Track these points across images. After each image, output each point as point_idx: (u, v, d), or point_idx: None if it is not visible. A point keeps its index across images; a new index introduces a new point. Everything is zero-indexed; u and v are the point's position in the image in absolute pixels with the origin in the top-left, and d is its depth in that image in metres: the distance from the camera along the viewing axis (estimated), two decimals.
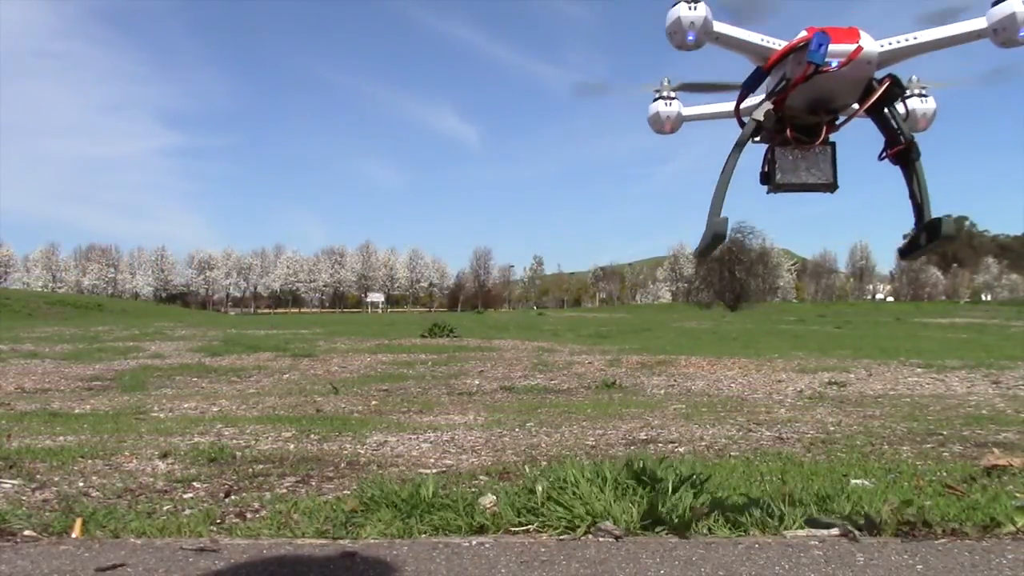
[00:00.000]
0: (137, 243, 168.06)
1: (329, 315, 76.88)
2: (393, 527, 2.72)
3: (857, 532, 2.64)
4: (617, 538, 2.58)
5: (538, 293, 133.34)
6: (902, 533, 2.64)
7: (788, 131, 2.18)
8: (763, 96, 2.26)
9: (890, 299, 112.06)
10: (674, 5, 2.09)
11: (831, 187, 2.23)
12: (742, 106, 2.33)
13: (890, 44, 2.10)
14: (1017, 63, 2.32)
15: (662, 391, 8.77)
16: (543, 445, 4.92)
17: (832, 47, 2.03)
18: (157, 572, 2.30)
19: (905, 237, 2.30)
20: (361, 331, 21.59)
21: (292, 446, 4.83)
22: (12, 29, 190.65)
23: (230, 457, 4.34)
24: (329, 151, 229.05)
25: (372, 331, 21.45)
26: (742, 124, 2.27)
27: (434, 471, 3.96)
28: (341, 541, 2.61)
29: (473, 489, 3.27)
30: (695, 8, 2.07)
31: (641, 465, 3.03)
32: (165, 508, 3.12)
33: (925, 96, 2.38)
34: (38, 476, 3.72)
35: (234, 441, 5.01)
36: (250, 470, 3.98)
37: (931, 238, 2.16)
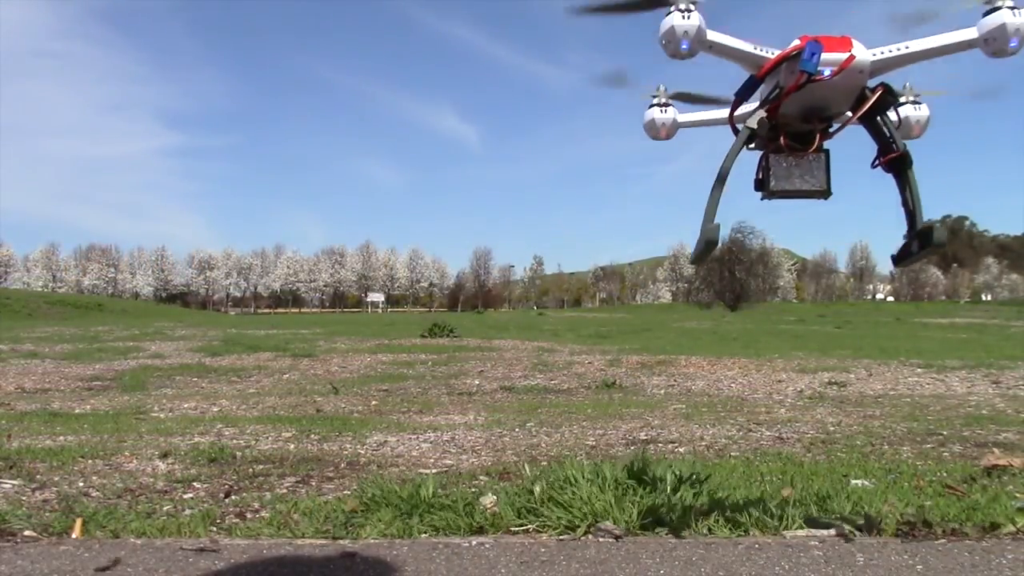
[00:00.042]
0: (137, 243, 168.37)
1: (329, 315, 76.88)
2: (393, 527, 2.72)
3: (857, 532, 2.64)
4: (617, 538, 2.58)
5: (538, 293, 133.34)
6: (902, 533, 2.64)
7: (782, 139, 2.20)
8: (757, 104, 2.28)
9: (890, 299, 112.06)
10: (668, 15, 2.11)
11: (825, 194, 2.25)
12: (736, 113, 2.35)
13: (882, 53, 2.12)
14: (1004, 82, 2.35)
15: (662, 391, 8.77)
16: (543, 445, 4.92)
17: (825, 56, 2.04)
18: (157, 572, 2.30)
19: (904, 237, 2.31)
20: (361, 331, 21.59)
21: (292, 446, 4.83)
22: (12, 29, 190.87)
23: (230, 457, 4.34)
24: (329, 151, 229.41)
25: (372, 331, 21.46)
26: (736, 132, 2.30)
27: (434, 471, 3.96)
28: (341, 541, 2.61)
29: (473, 489, 3.27)
30: (689, 17, 2.09)
31: (641, 465, 3.03)
32: (165, 508, 3.12)
33: (919, 103, 2.40)
34: (38, 476, 3.71)
35: (234, 441, 5.01)
36: (250, 470, 3.98)
37: (923, 245, 2.18)
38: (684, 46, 2.11)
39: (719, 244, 2.26)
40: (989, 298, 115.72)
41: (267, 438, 5.17)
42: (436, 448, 4.82)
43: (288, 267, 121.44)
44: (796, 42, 2.11)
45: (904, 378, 9.56)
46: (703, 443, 4.98)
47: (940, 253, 2.27)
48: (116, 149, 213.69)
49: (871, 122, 2.21)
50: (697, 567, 2.32)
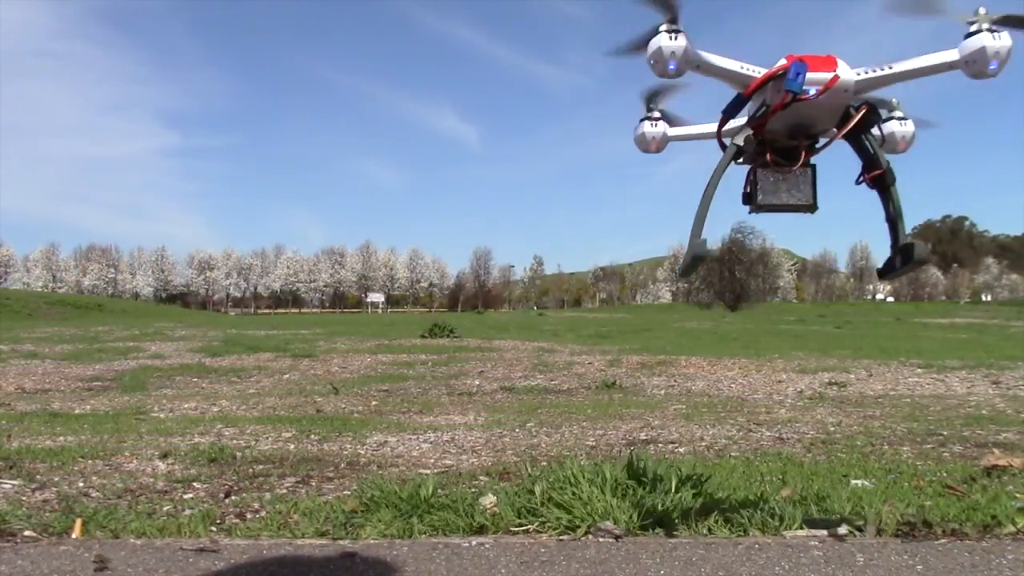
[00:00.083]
0: (137, 243, 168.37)
1: (329, 315, 76.89)
2: (393, 527, 2.72)
3: (857, 532, 2.64)
4: (617, 538, 2.58)
5: (538, 293, 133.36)
6: (902, 533, 2.64)
7: (768, 155, 2.26)
8: (744, 120, 2.34)
9: (890, 299, 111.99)
10: (655, 35, 2.15)
11: (811, 208, 2.31)
12: (724, 129, 2.41)
13: (866, 73, 2.18)
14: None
15: (662, 391, 8.77)
16: (543, 445, 4.92)
17: (810, 76, 2.10)
18: (157, 572, 2.30)
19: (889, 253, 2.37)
20: (361, 331, 21.59)
21: (292, 446, 4.83)
22: (12, 29, 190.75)
23: (230, 457, 4.34)
24: (329, 151, 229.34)
25: (372, 331, 21.46)
26: (723, 147, 2.36)
27: (434, 471, 3.96)
28: (341, 541, 2.61)
29: (473, 489, 3.27)
30: (676, 38, 2.13)
31: (641, 465, 3.03)
32: (165, 508, 3.12)
33: (904, 120, 2.46)
34: (38, 476, 3.72)
35: (234, 441, 5.01)
36: (250, 470, 3.98)
37: (905, 261, 2.26)
38: (671, 66, 2.15)
39: (706, 259, 2.33)
40: (989, 298, 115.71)
41: (267, 438, 5.17)
42: (436, 448, 4.82)
43: (288, 267, 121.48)
44: (782, 61, 2.17)
45: (904, 378, 9.56)
46: (703, 443, 4.98)
47: (922, 269, 2.36)
48: (116, 149, 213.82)
49: (856, 139, 2.28)
50: (697, 567, 2.32)
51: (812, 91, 2.10)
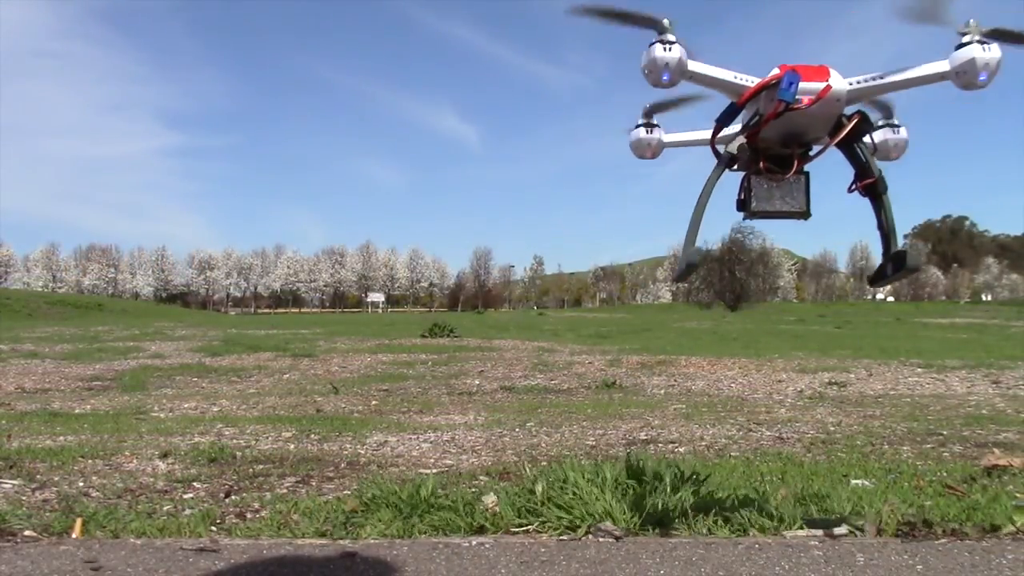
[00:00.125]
0: (137, 243, 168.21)
1: (329, 315, 76.89)
2: (393, 527, 2.72)
3: (857, 532, 2.64)
4: (617, 538, 2.58)
5: (538, 293, 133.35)
6: (902, 533, 2.64)
7: (761, 163, 2.29)
8: (738, 128, 2.37)
9: (890, 299, 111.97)
10: (650, 46, 2.18)
11: (804, 215, 2.34)
12: (717, 137, 2.45)
13: (858, 83, 2.22)
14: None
15: (662, 391, 8.77)
16: (543, 445, 4.92)
17: (802, 85, 2.13)
18: (157, 572, 2.30)
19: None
20: (361, 331, 21.59)
21: (292, 446, 4.83)
22: (12, 29, 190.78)
23: (230, 457, 4.34)
24: (329, 151, 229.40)
25: (372, 331, 21.46)
26: (717, 155, 2.39)
27: (434, 471, 3.96)
28: (341, 541, 2.61)
29: (473, 489, 3.27)
30: (670, 49, 2.15)
31: (641, 465, 3.03)
32: (165, 508, 3.12)
33: (897, 127, 2.50)
34: (38, 476, 3.72)
35: (234, 441, 5.01)
36: (250, 470, 3.98)
37: (897, 268, 2.28)
38: (665, 77, 2.18)
39: (699, 266, 2.37)
40: (989, 298, 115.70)
41: (267, 438, 5.18)
42: (436, 448, 4.82)
43: (288, 267, 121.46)
44: (775, 71, 2.20)
45: (904, 378, 9.56)
46: (703, 443, 4.98)
47: (913, 276, 2.40)
48: (116, 149, 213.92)
49: (848, 148, 2.30)
50: (697, 567, 2.32)
51: (805, 100, 2.14)
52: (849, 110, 2.24)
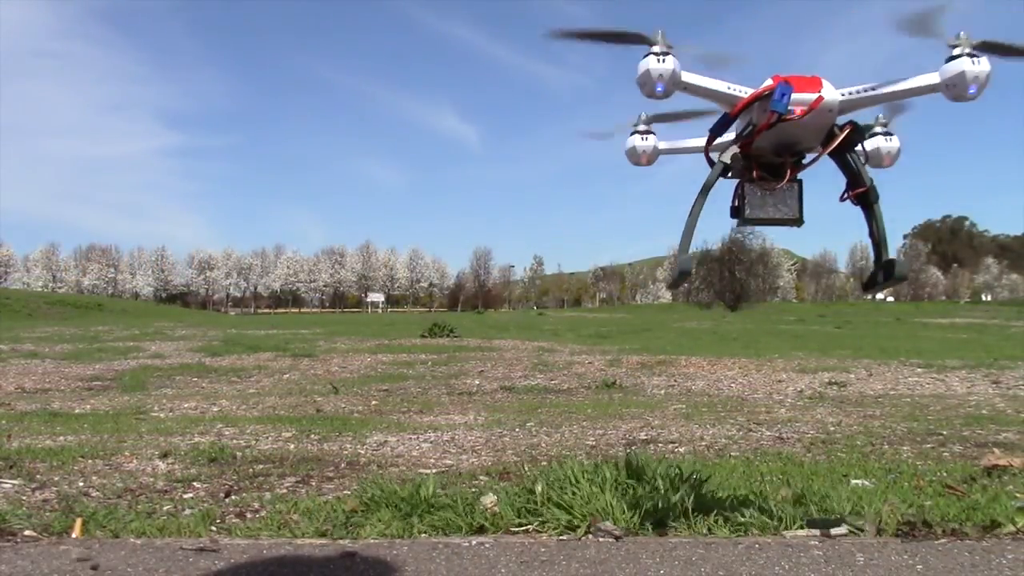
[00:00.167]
0: (137, 243, 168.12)
1: (329, 315, 76.89)
2: (393, 527, 2.72)
3: (857, 532, 2.64)
4: (617, 538, 2.59)
5: (538, 293, 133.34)
6: (902, 533, 2.65)
7: (754, 171, 2.33)
8: (732, 137, 2.41)
9: (890, 299, 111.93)
10: (644, 57, 2.21)
11: (797, 222, 2.38)
12: (711, 145, 2.48)
13: (850, 94, 2.26)
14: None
15: (662, 391, 8.77)
16: (543, 445, 4.92)
17: (795, 96, 2.17)
18: (157, 572, 2.30)
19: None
20: (361, 331, 21.59)
21: (292, 446, 4.83)
22: (12, 29, 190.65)
23: (230, 457, 4.34)
24: (329, 151, 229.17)
25: (372, 331, 21.46)
26: (711, 163, 2.43)
27: (434, 471, 3.96)
28: (341, 541, 2.61)
29: (473, 489, 3.27)
30: (663, 61, 2.19)
31: (641, 465, 3.04)
32: (165, 508, 3.13)
33: (890, 136, 2.52)
34: (38, 476, 3.72)
35: (234, 441, 5.01)
36: (250, 470, 3.98)
37: (887, 276, 2.34)
38: (659, 88, 2.22)
39: (692, 274, 2.43)
40: (989, 298, 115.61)
41: (267, 438, 5.18)
42: (436, 448, 4.82)
43: (288, 267, 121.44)
44: (768, 82, 2.23)
45: (904, 378, 9.56)
46: (703, 443, 4.98)
47: (902, 283, 2.46)
48: (116, 149, 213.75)
49: (840, 157, 2.33)
50: (697, 567, 2.32)
51: (797, 111, 2.17)
52: (841, 120, 2.28)
